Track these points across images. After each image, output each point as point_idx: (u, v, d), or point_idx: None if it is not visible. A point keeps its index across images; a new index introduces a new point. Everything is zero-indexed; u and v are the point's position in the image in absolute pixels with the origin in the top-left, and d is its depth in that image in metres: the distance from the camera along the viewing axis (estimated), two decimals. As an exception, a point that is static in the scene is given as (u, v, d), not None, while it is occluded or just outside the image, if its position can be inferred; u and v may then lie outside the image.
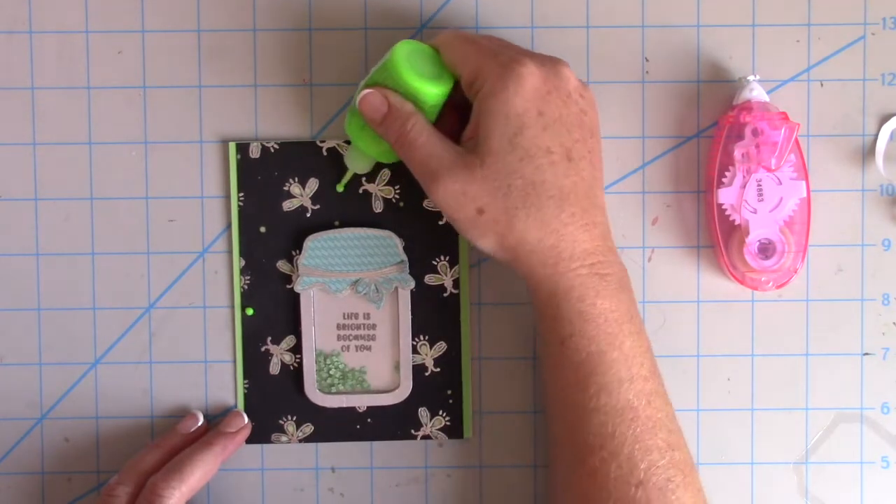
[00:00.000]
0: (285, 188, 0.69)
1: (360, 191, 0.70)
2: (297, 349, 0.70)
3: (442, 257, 0.70)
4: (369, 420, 0.70)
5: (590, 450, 0.60)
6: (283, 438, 0.70)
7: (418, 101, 0.63)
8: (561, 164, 0.61)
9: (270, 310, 0.70)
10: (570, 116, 0.61)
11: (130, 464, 0.66)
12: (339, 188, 0.69)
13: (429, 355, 0.70)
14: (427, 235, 0.69)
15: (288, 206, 0.69)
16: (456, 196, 0.61)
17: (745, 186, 0.67)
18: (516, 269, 0.62)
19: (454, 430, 0.70)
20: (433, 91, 0.63)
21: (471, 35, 0.64)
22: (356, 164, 0.67)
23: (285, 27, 0.70)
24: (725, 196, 0.67)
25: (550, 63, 0.62)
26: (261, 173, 0.69)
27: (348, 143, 0.68)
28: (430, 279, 0.70)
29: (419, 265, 0.69)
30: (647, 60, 0.70)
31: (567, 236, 0.61)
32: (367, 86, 0.64)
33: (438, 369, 0.70)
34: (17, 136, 0.70)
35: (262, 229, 0.70)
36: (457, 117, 0.65)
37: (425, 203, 0.69)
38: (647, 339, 0.62)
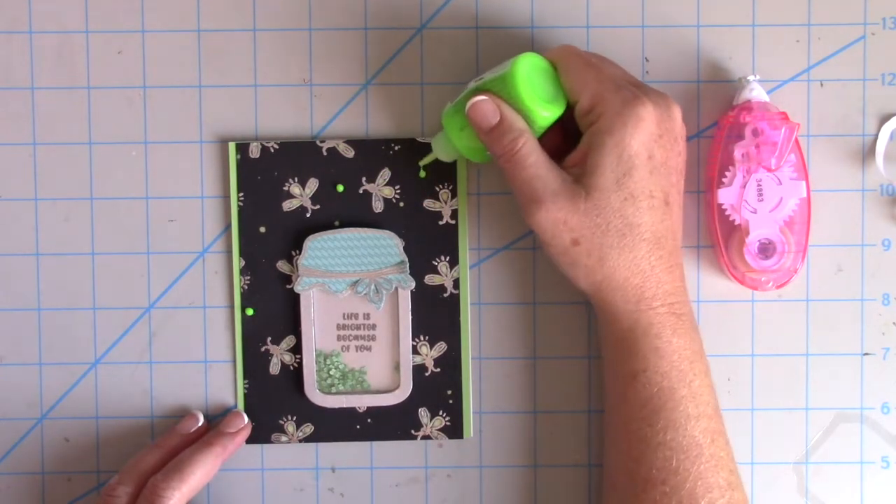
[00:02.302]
0: (285, 188, 0.69)
1: (360, 191, 0.70)
2: (297, 349, 0.70)
3: (442, 257, 0.70)
4: (369, 420, 0.70)
5: (651, 483, 0.61)
6: (283, 438, 0.70)
7: (529, 119, 0.62)
8: (659, 209, 0.61)
9: (270, 310, 0.70)
10: (673, 160, 0.62)
11: (130, 464, 0.67)
12: (421, 165, 0.68)
13: (429, 355, 0.70)
14: (427, 235, 0.69)
15: (288, 206, 0.69)
16: (556, 224, 0.61)
17: (745, 186, 0.67)
18: (595, 301, 0.63)
19: (454, 430, 0.70)
20: (548, 115, 0.62)
21: (591, 58, 0.63)
22: (444, 153, 0.67)
23: (285, 27, 0.70)
24: (725, 196, 0.67)
25: (664, 104, 0.62)
26: (261, 173, 0.69)
27: (436, 136, 0.67)
28: (430, 279, 0.70)
29: (419, 265, 0.69)
30: (647, 60, 0.70)
31: (653, 277, 0.61)
32: (478, 90, 0.63)
33: (438, 369, 0.70)
34: (17, 136, 0.70)
35: (262, 229, 0.70)
36: (560, 136, 0.64)
37: (425, 203, 0.69)
38: (711, 379, 0.63)
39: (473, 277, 0.70)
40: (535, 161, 0.61)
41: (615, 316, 0.62)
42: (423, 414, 0.70)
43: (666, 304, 0.62)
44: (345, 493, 0.71)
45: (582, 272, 0.62)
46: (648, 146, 0.61)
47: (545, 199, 0.61)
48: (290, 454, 0.70)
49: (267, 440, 0.70)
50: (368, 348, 0.70)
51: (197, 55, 0.70)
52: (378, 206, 0.69)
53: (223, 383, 0.70)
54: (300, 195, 0.69)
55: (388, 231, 0.69)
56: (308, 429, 0.70)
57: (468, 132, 0.64)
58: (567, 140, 0.64)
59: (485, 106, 0.62)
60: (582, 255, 0.61)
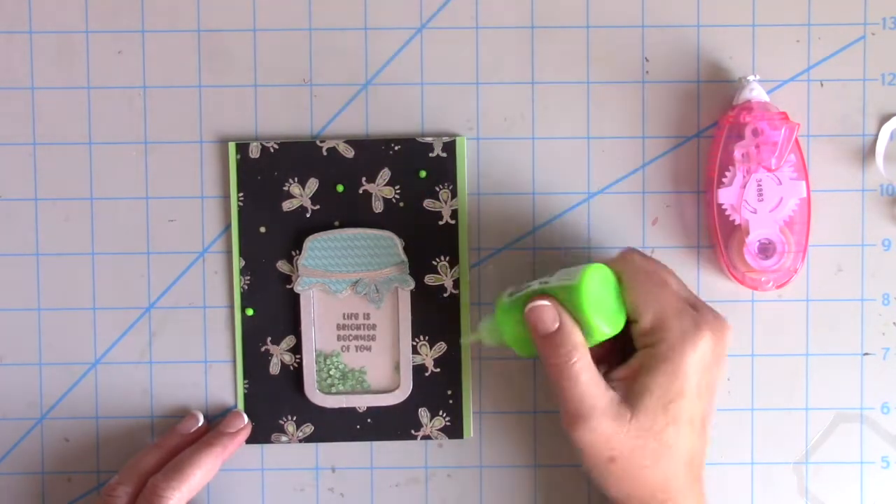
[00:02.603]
0: (285, 188, 0.69)
1: (360, 191, 0.69)
2: (297, 349, 0.70)
3: (442, 257, 0.70)
4: (369, 420, 0.70)
5: None
6: (283, 438, 0.70)
7: (587, 331, 0.61)
8: (697, 430, 0.61)
9: (270, 310, 0.70)
10: (716, 380, 0.62)
11: (131, 464, 0.67)
12: (464, 342, 0.69)
13: (429, 355, 0.70)
14: (427, 235, 0.69)
15: (288, 206, 0.69)
16: (598, 441, 0.60)
17: (745, 186, 0.67)
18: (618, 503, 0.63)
19: (454, 430, 0.70)
20: (609, 331, 0.61)
21: (654, 272, 0.62)
22: (490, 337, 0.65)
23: (285, 27, 0.70)
24: (725, 196, 0.67)
25: (720, 329, 0.61)
26: (261, 173, 0.69)
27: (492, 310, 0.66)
28: (430, 279, 0.70)
29: (419, 265, 0.69)
30: (647, 60, 0.70)
31: (680, 494, 0.61)
32: (541, 292, 0.62)
33: (438, 369, 0.70)
34: (17, 136, 0.70)
35: (262, 229, 0.70)
36: (610, 341, 0.63)
37: (425, 203, 0.69)
38: None
39: (473, 277, 0.70)
40: (587, 379, 0.60)
41: None
42: (423, 414, 0.70)
43: None
44: (345, 493, 0.71)
45: (613, 485, 0.61)
46: (699, 374, 0.60)
47: (591, 417, 0.60)
48: (290, 454, 0.70)
49: (267, 440, 0.70)
50: (368, 348, 0.70)
51: (197, 55, 0.70)
52: (378, 206, 0.69)
53: (223, 383, 0.70)
54: (300, 195, 0.69)
55: (388, 231, 0.69)
56: (308, 429, 0.70)
57: (521, 329, 0.62)
58: (615, 345, 0.63)
59: (546, 313, 0.61)
60: (617, 471, 0.61)
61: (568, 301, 0.61)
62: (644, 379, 0.60)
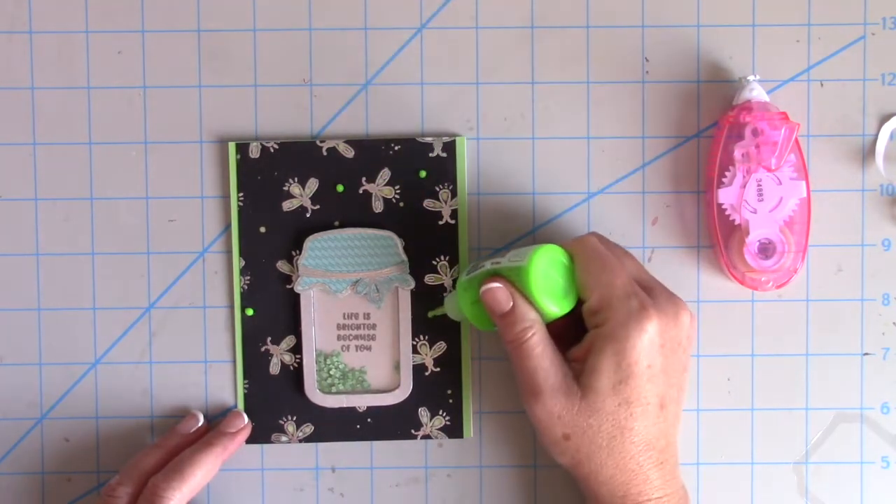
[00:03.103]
0: (285, 188, 0.69)
1: (360, 191, 0.70)
2: (297, 349, 0.70)
3: (442, 257, 0.70)
4: (369, 420, 0.70)
5: None
6: (283, 438, 0.70)
7: (539, 310, 0.62)
8: (652, 413, 0.62)
9: (270, 310, 0.70)
10: (673, 365, 0.62)
11: (131, 464, 0.67)
12: (430, 315, 0.69)
13: (429, 355, 0.70)
14: (427, 235, 0.69)
15: (288, 206, 0.69)
16: (550, 417, 0.61)
17: (745, 186, 0.67)
18: (581, 488, 0.64)
19: (454, 430, 0.70)
20: (557, 310, 0.62)
21: (611, 257, 0.63)
22: (453, 312, 0.67)
23: (285, 27, 0.70)
24: (725, 196, 0.67)
25: (672, 312, 0.62)
26: (260, 173, 0.69)
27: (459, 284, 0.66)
28: (430, 279, 0.70)
29: (419, 265, 0.69)
30: (647, 60, 0.70)
31: (640, 475, 0.62)
32: (493, 273, 0.63)
33: (438, 369, 0.70)
34: (17, 136, 0.70)
35: (262, 229, 0.70)
36: (571, 319, 0.64)
37: (425, 203, 0.69)
38: None
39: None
40: (540, 353, 0.62)
41: None
42: (423, 414, 0.70)
43: (653, 498, 0.62)
44: (345, 493, 0.71)
45: (569, 463, 0.63)
46: (648, 356, 0.61)
47: (543, 392, 0.61)
48: (290, 454, 0.70)
49: (267, 440, 0.70)
50: (368, 348, 0.70)
51: (197, 55, 0.70)
52: (378, 206, 0.69)
53: (223, 383, 0.70)
54: (300, 195, 0.69)
55: (388, 231, 0.69)
56: (308, 429, 0.70)
57: (479, 307, 0.64)
58: (577, 324, 0.64)
59: (498, 293, 0.62)
60: (571, 448, 0.62)
61: (518, 281, 0.62)
62: (592, 359, 0.61)
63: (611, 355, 0.61)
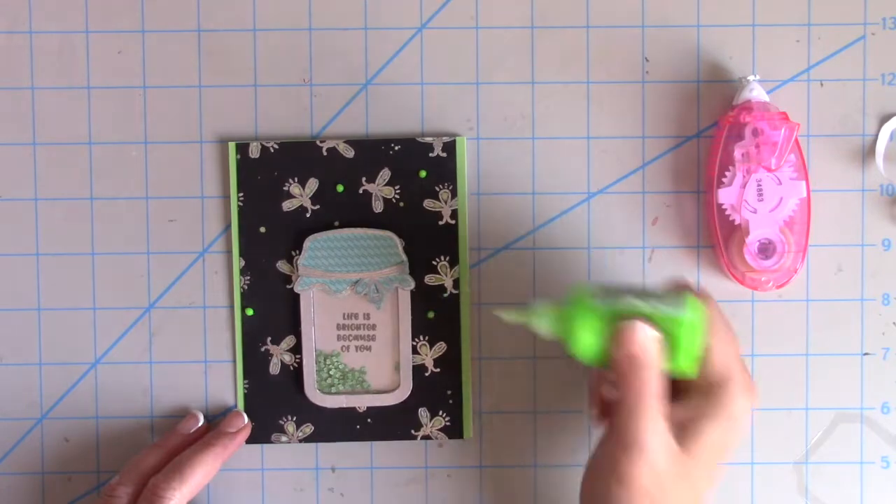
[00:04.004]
0: (285, 188, 0.69)
1: (360, 191, 0.70)
2: (297, 349, 0.70)
3: (442, 257, 0.70)
4: (369, 420, 0.70)
5: None
6: (283, 438, 0.70)
7: (672, 364, 0.60)
8: (714, 477, 0.61)
9: (270, 310, 0.70)
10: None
11: (131, 464, 0.67)
12: (504, 316, 0.63)
13: (429, 355, 0.70)
14: (427, 235, 0.69)
15: (288, 206, 0.69)
16: (649, 476, 0.58)
17: (745, 186, 0.67)
18: None
19: (454, 430, 0.70)
20: (690, 373, 0.60)
21: (730, 325, 0.62)
22: (546, 326, 0.62)
23: (285, 27, 0.70)
24: (725, 196, 0.67)
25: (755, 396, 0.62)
26: (261, 173, 0.69)
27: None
28: (430, 279, 0.70)
29: (419, 265, 0.69)
30: (647, 60, 0.70)
31: None
32: (641, 314, 0.59)
33: (438, 369, 0.70)
34: (17, 136, 0.70)
35: (262, 229, 0.70)
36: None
37: (425, 203, 0.69)
38: None
39: (473, 277, 0.70)
40: (655, 410, 0.59)
41: None
42: (423, 414, 0.70)
43: None
44: (345, 493, 0.71)
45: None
46: (743, 431, 0.61)
47: (650, 450, 0.58)
48: (290, 454, 0.70)
49: (267, 440, 0.70)
50: (368, 348, 0.70)
51: (197, 55, 0.70)
52: (378, 206, 0.69)
53: (223, 383, 0.70)
54: (300, 195, 0.69)
55: (388, 231, 0.69)
56: (308, 429, 0.70)
57: (597, 336, 0.60)
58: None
59: (644, 335, 0.59)
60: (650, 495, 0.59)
61: (665, 330, 0.59)
62: (702, 424, 0.60)
63: (722, 425, 0.59)
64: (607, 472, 0.59)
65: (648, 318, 0.59)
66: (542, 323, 0.61)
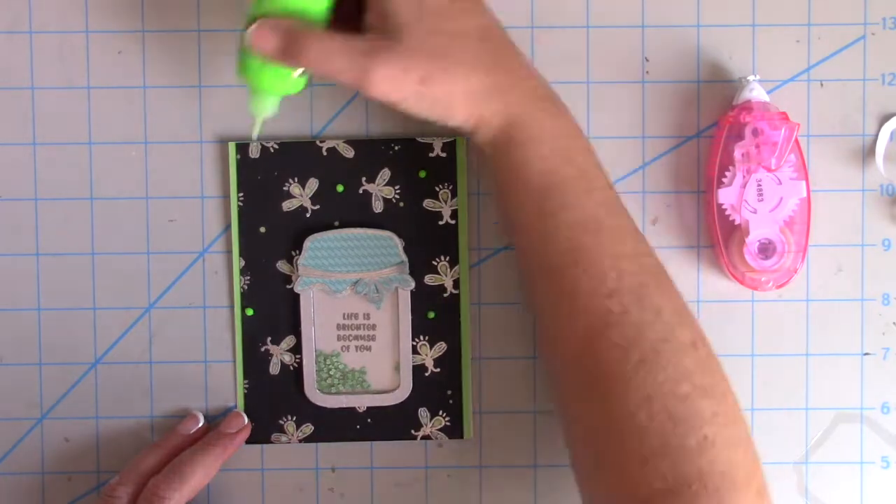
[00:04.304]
0: (285, 188, 0.69)
1: (360, 191, 0.70)
2: (297, 349, 0.70)
3: (442, 257, 0.70)
4: (369, 420, 0.70)
5: (562, 271, 0.60)
6: (283, 438, 0.70)
7: (307, 17, 0.61)
8: (471, 8, 0.61)
9: (270, 310, 0.70)
10: None
11: (131, 464, 0.67)
12: (254, 137, 0.66)
13: (429, 355, 0.70)
14: (427, 235, 0.69)
15: (288, 206, 0.69)
16: (393, 76, 0.59)
17: (745, 186, 0.67)
18: (473, 134, 0.61)
19: (454, 430, 0.70)
20: (319, 4, 0.61)
21: None
22: (263, 108, 0.64)
23: (285, 27, 0.69)
24: (725, 196, 0.67)
25: None
26: (261, 173, 0.69)
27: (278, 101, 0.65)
28: (430, 279, 0.70)
29: (419, 265, 0.69)
30: (647, 60, 0.70)
31: (502, 68, 0.61)
32: (251, 20, 0.61)
33: (438, 369, 0.70)
34: (17, 136, 0.70)
35: (262, 229, 0.70)
36: (349, 27, 0.63)
37: (425, 203, 0.69)
38: (597, 156, 0.62)
39: (473, 277, 0.70)
40: (340, 45, 0.59)
41: (488, 125, 0.61)
42: (423, 414, 0.70)
43: (527, 88, 0.61)
44: (345, 493, 0.71)
45: (446, 102, 0.60)
46: None
47: (372, 65, 0.59)
48: (290, 454, 0.70)
49: (267, 440, 0.70)
50: (368, 348, 0.70)
51: (197, 55, 0.70)
52: (378, 206, 0.69)
53: (223, 383, 0.70)
54: (300, 195, 0.69)
55: (388, 231, 0.69)
56: (308, 429, 0.70)
57: (268, 68, 0.61)
58: (357, 27, 0.63)
59: (264, 29, 0.60)
60: (434, 88, 0.60)
61: (270, 6, 0.60)
62: (385, 4, 0.60)
63: None
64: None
65: (254, 20, 0.60)
66: (260, 108, 0.64)
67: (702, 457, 0.56)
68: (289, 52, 0.60)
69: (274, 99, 0.64)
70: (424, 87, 0.60)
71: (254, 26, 0.60)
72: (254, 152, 0.69)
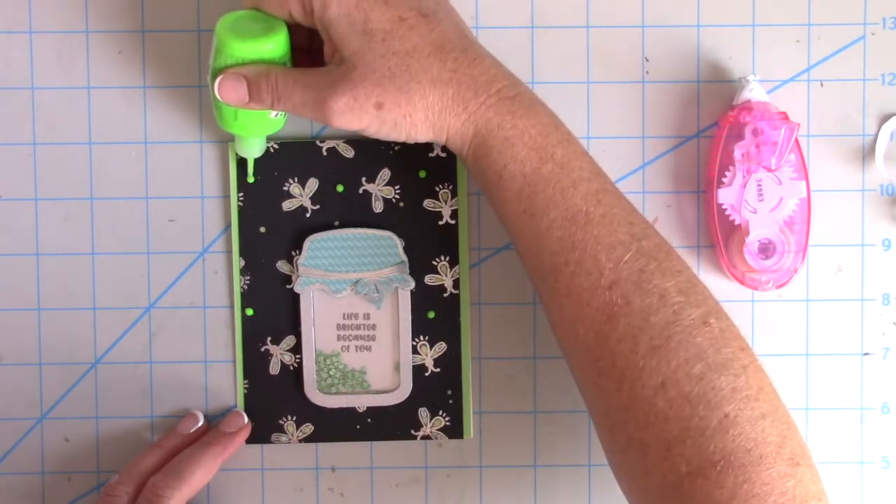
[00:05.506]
0: (285, 188, 0.69)
1: (360, 191, 0.70)
2: (297, 349, 0.70)
3: (442, 257, 0.70)
4: (369, 420, 0.70)
5: (558, 272, 0.60)
6: (283, 438, 0.70)
7: (266, 61, 0.62)
8: (419, 25, 0.61)
9: (270, 310, 0.70)
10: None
11: (131, 464, 0.67)
12: (250, 180, 0.69)
13: (429, 355, 0.70)
14: (427, 235, 0.69)
15: (288, 206, 0.69)
16: (350, 106, 0.60)
17: (745, 186, 0.67)
18: (439, 136, 0.62)
19: (454, 430, 0.70)
20: (270, 45, 0.62)
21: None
22: (250, 150, 0.67)
23: (285, 27, 0.69)
24: (725, 196, 0.67)
25: None
26: (261, 173, 0.69)
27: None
28: (430, 279, 0.70)
29: (419, 265, 0.69)
30: (647, 60, 0.70)
31: (462, 80, 0.61)
32: (214, 76, 0.63)
33: (438, 369, 0.70)
34: (17, 136, 0.70)
35: (262, 229, 0.70)
36: (314, 60, 0.65)
37: (425, 203, 0.69)
38: (579, 143, 0.62)
39: (473, 277, 0.70)
40: (297, 79, 0.62)
41: (459, 135, 0.61)
42: (423, 414, 0.70)
43: (492, 94, 0.61)
44: (345, 493, 0.71)
45: (407, 123, 0.61)
46: None
47: (327, 96, 0.60)
48: (290, 454, 0.70)
49: (267, 440, 0.70)
50: (368, 348, 0.70)
51: (197, 55, 0.70)
52: (378, 206, 0.69)
53: (223, 383, 0.70)
54: (300, 195, 0.69)
55: (388, 231, 0.69)
56: (308, 429, 0.70)
57: (242, 114, 0.64)
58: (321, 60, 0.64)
59: (227, 82, 0.62)
60: (392, 111, 0.61)
61: (230, 58, 0.62)
62: (335, 36, 0.61)
63: (337, 15, 0.60)
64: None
65: (217, 73, 0.63)
66: (243, 149, 0.67)
67: (725, 435, 0.56)
68: (253, 97, 0.62)
69: (259, 140, 0.66)
70: (383, 111, 0.60)
71: (218, 80, 0.62)
72: (254, 152, 0.69)
